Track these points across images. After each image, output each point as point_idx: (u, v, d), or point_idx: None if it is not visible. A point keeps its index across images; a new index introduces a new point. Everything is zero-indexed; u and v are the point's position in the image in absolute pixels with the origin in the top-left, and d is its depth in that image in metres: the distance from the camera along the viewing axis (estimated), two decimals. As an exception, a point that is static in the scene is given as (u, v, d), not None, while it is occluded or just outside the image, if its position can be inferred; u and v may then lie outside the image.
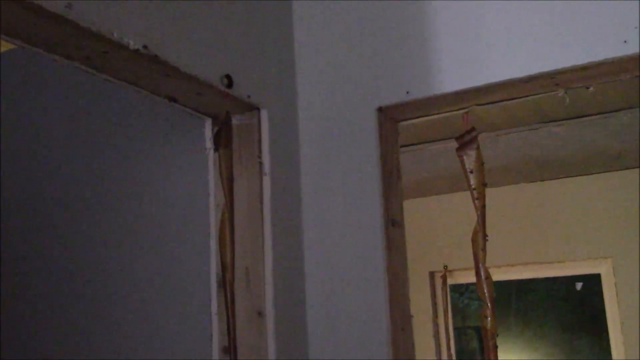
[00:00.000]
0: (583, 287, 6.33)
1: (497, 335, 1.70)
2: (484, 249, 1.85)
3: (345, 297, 1.75)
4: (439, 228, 4.61)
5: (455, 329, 5.31)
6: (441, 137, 3.91)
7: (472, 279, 4.82)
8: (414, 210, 4.72)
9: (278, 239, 1.72)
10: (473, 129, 1.88)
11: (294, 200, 1.83)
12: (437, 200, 4.65)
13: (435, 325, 4.63)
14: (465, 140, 1.88)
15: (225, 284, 1.68)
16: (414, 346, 1.79)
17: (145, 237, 1.85)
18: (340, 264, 1.77)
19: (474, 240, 1.86)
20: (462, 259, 4.61)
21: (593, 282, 4.47)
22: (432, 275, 4.68)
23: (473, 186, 1.83)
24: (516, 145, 4.03)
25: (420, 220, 4.68)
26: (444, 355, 4.61)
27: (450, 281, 4.65)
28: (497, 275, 4.60)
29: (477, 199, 1.83)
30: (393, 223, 1.81)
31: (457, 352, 4.82)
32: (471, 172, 1.85)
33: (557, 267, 4.39)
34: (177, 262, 1.78)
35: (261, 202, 1.73)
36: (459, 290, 7.60)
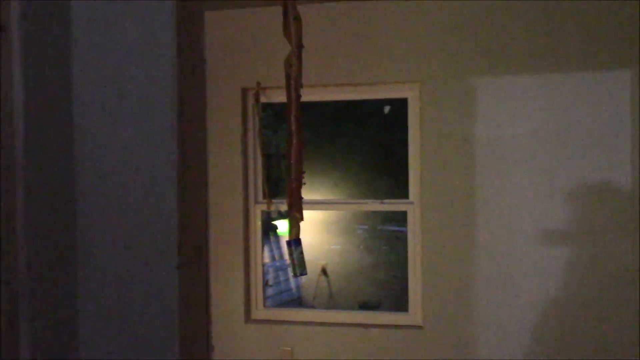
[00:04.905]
0: (389, 133, 6.51)
1: (302, 87, 1.57)
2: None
3: None
4: (253, 43, 4.39)
5: (265, 155, 5.27)
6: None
7: (284, 98, 4.70)
8: (226, 22, 4.44)
9: None
10: None
11: None
12: (252, 13, 4.39)
13: (244, 143, 4.53)
14: None
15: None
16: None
17: None
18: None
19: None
20: (276, 76, 4.49)
21: (397, 126, 4.54)
22: (244, 92, 4.51)
23: None
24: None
25: (233, 33, 4.42)
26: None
27: (262, 99, 4.51)
28: (311, 96, 4.56)
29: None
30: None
31: (265, 174, 4.78)
32: None
33: (369, 90, 4.41)
34: None
35: None
36: (273, 128, 7.59)
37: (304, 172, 1.55)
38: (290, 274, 1.69)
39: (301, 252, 1.71)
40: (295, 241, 1.63)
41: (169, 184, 1.24)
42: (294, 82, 1.52)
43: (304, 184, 1.56)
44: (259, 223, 4.67)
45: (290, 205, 1.54)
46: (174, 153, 1.24)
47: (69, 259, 1.25)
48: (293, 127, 1.51)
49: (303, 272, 1.81)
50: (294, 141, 1.52)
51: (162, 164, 1.25)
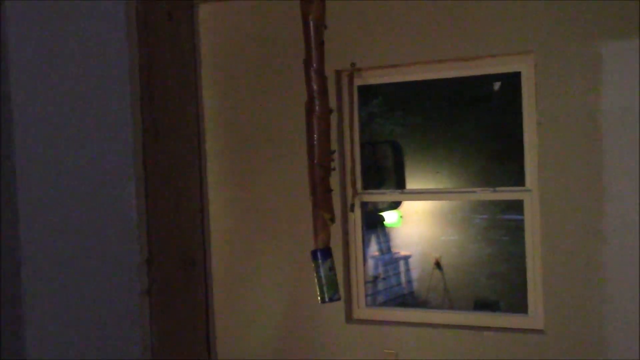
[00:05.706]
0: (501, 113, 5.95)
1: (326, 29, 1.21)
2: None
3: None
4: (347, 20, 4.04)
5: (369, 143, 4.98)
6: None
7: (381, 79, 4.27)
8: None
9: None
10: None
11: None
12: (347, -11, 4.04)
13: (340, 130, 4.19)
14: None
15: None
16: None
17: None
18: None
19: None
20: (372, 56, 4.13)
21: (510, 105, 4.05)
22: (338, 74, 4.17)
23: None
24: None
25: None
26: (347, 165, 4.23)
27: (358, 82, 4.16)
28: (408, 75, 4.15)
29: None
30: None
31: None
32: None
33: (475, 65, 3.93)
34: None
35: None
36: (385, 115, 7.21)
37: (332, 153, 1.16)
38: (318, 299, 1.29)
39: (331, 268, 1.27)
40: (322, 252, 1.20)
41: (125, 178, 0.91)
42: (313, 24, 1.16)
43: (333, 169, 1.17)
44: (359, 215, 4.33)
45: (315, 201, 1.14)
46: (132, 134, 0.90)
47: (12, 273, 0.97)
48: (315, 87, 1.13)
49: (334, 295, 1.33)
50: (317, 108, 1.13)
51: (116, 148, 0.92)
